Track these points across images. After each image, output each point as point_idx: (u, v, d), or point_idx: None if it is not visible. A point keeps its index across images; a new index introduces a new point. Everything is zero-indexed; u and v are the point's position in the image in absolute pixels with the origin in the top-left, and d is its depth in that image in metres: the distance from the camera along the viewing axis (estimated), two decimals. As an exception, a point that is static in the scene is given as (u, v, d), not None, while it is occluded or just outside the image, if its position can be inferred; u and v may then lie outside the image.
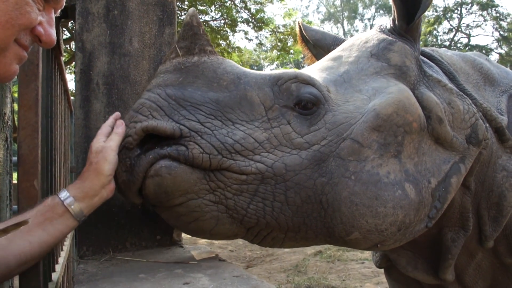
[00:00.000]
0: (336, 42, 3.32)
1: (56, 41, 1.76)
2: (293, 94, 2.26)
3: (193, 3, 18.54)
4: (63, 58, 3.55)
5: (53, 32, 1.73)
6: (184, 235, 2.93)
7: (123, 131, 2.11)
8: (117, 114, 2.31)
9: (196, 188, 2.04)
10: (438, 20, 47.08)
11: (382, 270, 3.77)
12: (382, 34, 2.74)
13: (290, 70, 2.33)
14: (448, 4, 49.67)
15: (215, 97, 2.13)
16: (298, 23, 3.60)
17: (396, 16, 2.70)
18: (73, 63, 11.36)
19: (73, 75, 15.80)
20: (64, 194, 2.03)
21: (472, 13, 46.84)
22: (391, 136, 2.29)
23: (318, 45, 3.46)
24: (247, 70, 2.28)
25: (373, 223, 2.19)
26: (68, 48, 17.76)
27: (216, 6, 19.39)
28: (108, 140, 2.11)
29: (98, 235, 2.74)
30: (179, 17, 17.22)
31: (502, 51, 46.60)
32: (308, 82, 2.30)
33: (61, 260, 3.02)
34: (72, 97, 5.54)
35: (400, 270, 3.06)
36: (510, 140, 2.76)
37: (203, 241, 13.10)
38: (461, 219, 2.74)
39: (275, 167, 2.09)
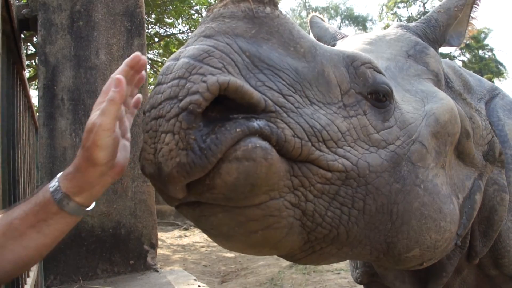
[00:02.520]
0: (334, 37, 3.19)
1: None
2: (369, 81, 1.94)
3: (160, 16, 18.43)
4: (27, 73, 3.37)
5: None
6: (158, 257, 2.78)
7: (121, 96, 1.56)
8: (136, 55, 1.69)
9: (281, 183, 1.57)
10: (402, 30, 48.10)
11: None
12: (411, 35, 2.67)
13: (360, 52, 2.03)
14: (411, 13, 50.76)
15: (294, 65, 1.68)
16: (310, 20, 3.47)
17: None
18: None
19: (38, 91, 15.49)
20: (54, 189, 1.68)
21: (435, 22, 47.97)
22: (443, 145, 2.18)
23: (321, 42, 3.33)
24: (316, 41, 1.88)
25: (434, 239, 2.05)
26: (34, 63, 17.41)
27: (184, 19, 19.30)
28: (100, 114, 1.56)
29: (67, 262, 2.57)
30: (146, 30, 17.06)
31: (465, 58, 47.73)
32: (380, 71, 2.02)
33: (27, 289, 2.84)
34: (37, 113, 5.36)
35: (386, 285, 2.96)
36: (501, 154, 2.71)
37: (177, 259, 12.91)
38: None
39: (360, 165, 1.76)
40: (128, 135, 1.79)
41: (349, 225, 1.80)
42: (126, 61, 1.65)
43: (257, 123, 1.49)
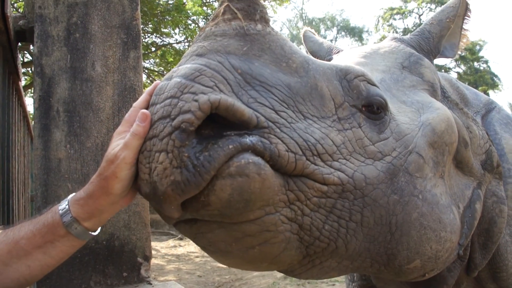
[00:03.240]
0: (330, 51, 3.20)
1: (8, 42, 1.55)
2: (363, 94, 1.96)
3: (157, 26, 18.45)
4: (22, 83, 3.37)
5: None
6: (152, 267, 2.77)
7: (145, 131, 1.55)
8: (156, 83, 1.67)
9: (276, 198, 1.57)
10: (398, 41, 48.29)
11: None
12: (405, 46, 2.69)
13: (354, 65, 2.04)
14: (407, 25, 50.99)
15: (287, 81, 1.69)
16: (303, 34, 3.48)
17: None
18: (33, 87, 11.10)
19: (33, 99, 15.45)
20: (64, 212, 1.72)
21: (431, 34, 48.22)
22: (440, 155, 2.18)
23: (315, 57, 3.34)
24: (309, 55, 1.90)
25: (435, 249, 2.04)
26: (30, 71, 17.38)
27: (181, 29, 19.33)
28: (123, 147, 1.58)
29: (60, 274, 2.55)
30: (143, 40, 17.08)
31: (460, 70, 47.93)
32: (374, 83, 2.04)
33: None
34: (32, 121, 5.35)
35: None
36: (499, 165, 2.72)
37: (171, 269, 12.86)
38: None
39: (356, 178, 1.76)
40: None
41: (347, 238, 1.79)
42: (148, 90, 1.70)
43: (249, 139, 1.50)
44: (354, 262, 1.92)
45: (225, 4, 1.71)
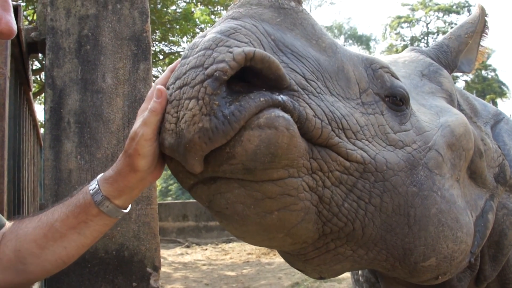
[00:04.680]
0: None
1: (16, 30, 1.57)
2: (387, 84, 1.98)
3: (165, 34, 18.56)
4: (31, 91, 3.41)
5: (10, 18, 1.54)
6: (162, 279, 2.78)
7: (162, 107, 1.56)
8: (178, 61, 1.65)
9: (301, 162, 1.55)
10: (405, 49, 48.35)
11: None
12: (425, 57, 2.72)
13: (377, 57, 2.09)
14: (415, 33, 51.02)
15: (316, 56, 1.69)
16: None
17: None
18: (43, 94, 11.16)
19: (42, 106, 15.56)
20: (94, 192, 1.76)
21: (438, 42, 48.29)
22: (457, 158, 2.18)
23: None
24: None
25: (451, 249, 2.04)
26: (38, 78, 17.52)
27: (189, 37, 19.44)
28: (142, 124, 1.60)
29: (70, 284, 2.57)
30: (152, 47, 17.18)
31: (468, 78, 47.81)
32: (397, 77, 2.06)
33: (29, 311, 2.84)
34: (42, 128, 5.39)
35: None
36: (510, 178, 2.73)
37: (178, 277, 12.86)
38: None
39: (377, 160, 1.75)
40: None
41: (365, 221, 1.78)
42: (170, 67, 1.71)
43: (281, 97, 1.50)
44: (369, 252, 1.91)
45: None
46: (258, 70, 1.49)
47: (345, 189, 1.70)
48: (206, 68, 1.46)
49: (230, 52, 1.46)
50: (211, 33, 1.57)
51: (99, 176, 1.79)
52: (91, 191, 1.76)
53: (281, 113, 1.47)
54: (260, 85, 1.52)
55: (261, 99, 1.46)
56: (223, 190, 1.61)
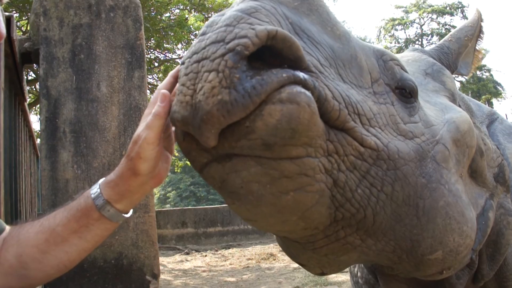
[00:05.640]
0: None
1: (5, 33, 1.57)
2: (397, 76, 2.01)
3: (160, 41, 18.57)
4: (26, 101, 3.41)
5: None
6: (162, 287, 2.78)
7: (166, 111, 1.58)
8: (179, 67, 1.61)
9: (318, 142, 1.54)
10: (400, 51, 48.45)
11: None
12: (427, 56, 2.76)
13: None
14: (409, 35, 51.21)
15: (330, 43, 1.71)
16: None
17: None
18: (38, 104, 11.14)
19: (38, 116, 15.52)
20: (96, 196, 1.75)
21: (432, 43, 48.46)
22: (461, 154, 2.22)
23: None
24: None
25: (457, 242, 2.07)
26: (33, 88, 17.49)
27: (183, 44, 19.45)
28: (145, 127, 1.60)
29: (69, 294, 2.57)
30: (146, 54, 17.19)
31: (463, 79, 47.96)
32: (406, 70, 2.09)
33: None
34: (38, 139, 5.37)
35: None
36: (509, 180, 2.77)
37: (178, 284, 12.81)
38: None
39: (390, 148, 1.77)
40: (173, 147, 1.83)
41: (376, 208, 1.80)
42: (171, 72, 1.71)
43: (302, 75, 1.49)
44: (377, 242, 1.92)
45: None
46: (278, 50, 1.48)
47: (359, 175, 1.71)
48: (228, 43, 1.45)
49: (253, 29, 1.44)
50: (231, 11, 1.56)
51: (101, 180, 1.79)
52: (92, 195, 1.76)
53: (303, 90, 1.46)
54: (278, 65, 1.50)
55: (284, 75, 1.44)
56: (238, 168, 1.57)
